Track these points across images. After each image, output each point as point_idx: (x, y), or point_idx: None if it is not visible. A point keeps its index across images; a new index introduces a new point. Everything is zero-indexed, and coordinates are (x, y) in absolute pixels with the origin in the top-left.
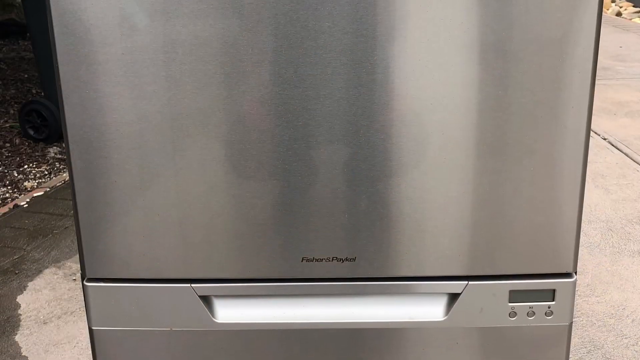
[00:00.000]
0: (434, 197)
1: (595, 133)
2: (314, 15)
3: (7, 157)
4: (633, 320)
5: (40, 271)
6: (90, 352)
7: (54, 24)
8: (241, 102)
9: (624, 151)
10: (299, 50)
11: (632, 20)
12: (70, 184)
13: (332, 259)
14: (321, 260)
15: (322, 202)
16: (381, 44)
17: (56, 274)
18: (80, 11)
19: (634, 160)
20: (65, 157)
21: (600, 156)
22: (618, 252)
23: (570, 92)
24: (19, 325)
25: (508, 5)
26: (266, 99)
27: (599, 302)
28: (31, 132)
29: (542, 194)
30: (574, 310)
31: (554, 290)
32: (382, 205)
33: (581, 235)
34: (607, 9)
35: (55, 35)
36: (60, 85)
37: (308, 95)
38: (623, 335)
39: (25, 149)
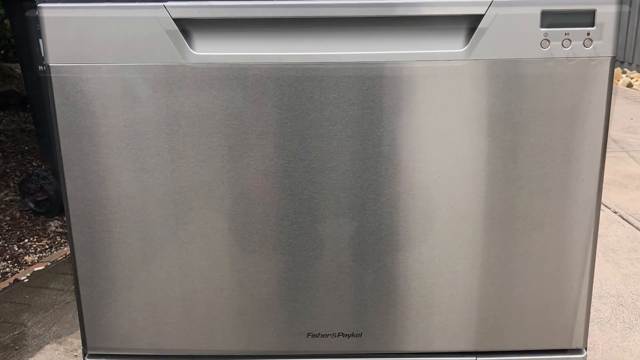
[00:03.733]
0: (441, 271)
1: (606, 206)
2: (319, 87)
3: (7, 230)
4: None
5: (41, 347)
6: None
7: (55, 95)
8: (245, 175)
9: (635, 225)
10: (304, 122)
11: None
12: (71, 258)
13: (338, 335)
14: (327, 335)
15: (327, 276)
16: (388, 115)
17: (57, 350)
18: (81, 82)
19: None
20: (66, 230)
21: (610, 230)
22: (629, 327)
23: (580, 164)
24: None
25: (517, 76)
26: (271, 172)
27: None
28: (32, 206)
29: (552, 268)
30: None
31: None
32: (388, 280)
33: (591, 311)
34: (618, 80)
35: (56, 106)
36: (61, 158)
37: (313, 167)
38: None
39: (26, 223)
